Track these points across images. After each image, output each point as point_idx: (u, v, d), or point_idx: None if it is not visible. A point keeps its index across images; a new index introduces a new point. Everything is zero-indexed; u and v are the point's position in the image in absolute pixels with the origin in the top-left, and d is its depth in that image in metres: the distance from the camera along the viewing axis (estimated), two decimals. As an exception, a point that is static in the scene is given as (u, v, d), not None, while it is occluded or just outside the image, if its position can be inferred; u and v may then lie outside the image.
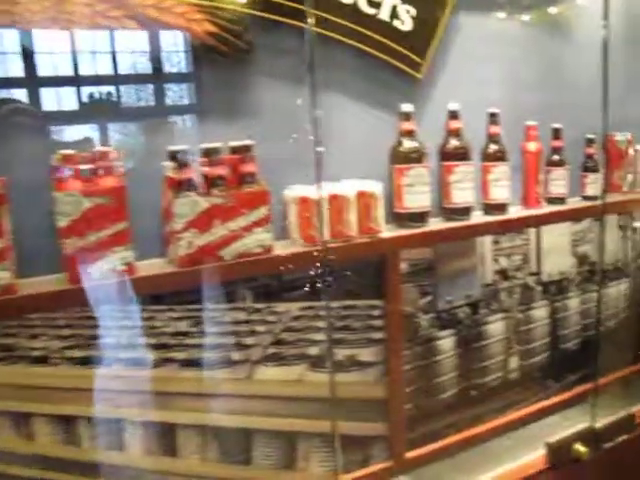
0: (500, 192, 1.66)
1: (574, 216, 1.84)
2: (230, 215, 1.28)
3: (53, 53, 1.32)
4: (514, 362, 1.80)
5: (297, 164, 1.49)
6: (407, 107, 1.52)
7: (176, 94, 1.46)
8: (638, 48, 2.09)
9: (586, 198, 1.90)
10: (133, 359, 1.29)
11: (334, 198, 1.39)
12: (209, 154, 1.30)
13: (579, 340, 1.94)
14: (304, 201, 1.38)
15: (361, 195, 1.42)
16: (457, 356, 1.68)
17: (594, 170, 1.89)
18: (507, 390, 1.80)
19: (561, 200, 1.83)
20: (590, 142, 1.89)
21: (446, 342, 1.65)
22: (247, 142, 1.33)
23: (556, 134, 1.82)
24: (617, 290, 2.02)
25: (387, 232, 1.50)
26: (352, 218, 1.41)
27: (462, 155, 1.59)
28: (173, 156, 1.29)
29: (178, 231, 1.25)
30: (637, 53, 2.08)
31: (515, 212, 1.73)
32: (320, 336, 1.46)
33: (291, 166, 1.46)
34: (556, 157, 1.82)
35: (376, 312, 1.51)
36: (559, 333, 1.89)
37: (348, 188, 1.41)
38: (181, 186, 1.26)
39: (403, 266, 1.53)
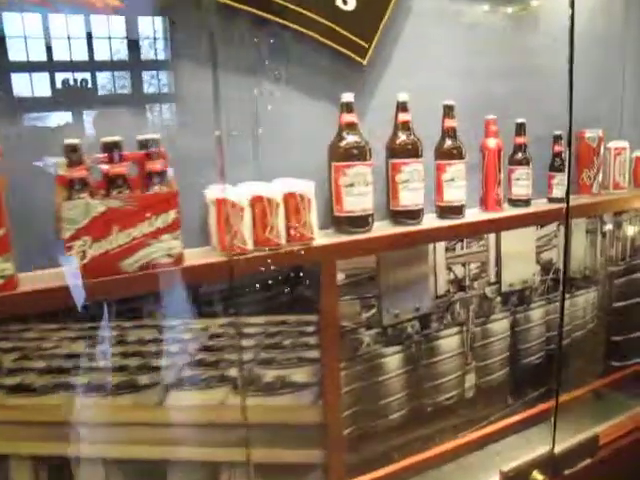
0: (455, 193, 1.50)
1: (538, 220, 1.68)
2: (132, 220, 1.10)
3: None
4: (470, 379, 1.65)
5: (231, 161, 1.33)
6: (347, 97, 1.35)
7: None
8: (612, 41, 1.93)
9: (552, 200, 1.74)
10: (17, 385, 1.11)
11: (257, 200, 1.22)
12: (108, 149, 1.12)
13: (543, 354, 1.79)
14: (221, 203, 1.20)
15: (289, 197, 1.25)
16: (406, 374, 1.52)
17: (562, 170, 1.73)
18: (463, 410, 1.65)
19: (525, 202, 1.67)
20: (557, 139, 1.73)
21: (393, 360, 1.49)
22: (153, 136, 1.15)
23: (520, 130, 1.65)
24: (585, 299, 1.88)
25: (324, 238, 1.33)
26: (279, 223, 1.23)
27: (412, 152, 1.42)
28: (68, 151, 1.11)
29: (68, 239, 1.07)
30: (610, 47, 1.92)
31: (473, 215, 1.57)
32: (245, 355, 1.30)
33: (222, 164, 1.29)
34: (519, 155, 1.66)
35: (310, 328, 1.35)
36: (520, 347, 1.74)
37: (274, 189, 1.24)
38: (72, 186, 1.08)
39: (341, 277, 1.36)
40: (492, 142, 1.57)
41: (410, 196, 1.42)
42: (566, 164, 1.60)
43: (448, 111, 1.49)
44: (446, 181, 1.49)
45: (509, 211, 1.63)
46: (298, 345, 1.35)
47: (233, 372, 1.29)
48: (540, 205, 1.72)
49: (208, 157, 1.28)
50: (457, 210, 1.51)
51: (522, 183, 1.66)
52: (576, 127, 1.80)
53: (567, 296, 1.82)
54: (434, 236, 1.48)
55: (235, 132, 1.30)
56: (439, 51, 1.54)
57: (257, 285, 1.29)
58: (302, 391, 1.36)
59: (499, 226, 1.59)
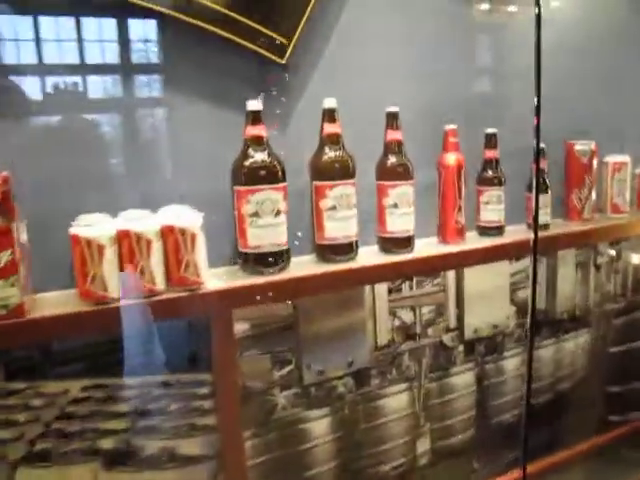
0: (400, 222, 1.22)
1: (512, 252, 1.38)
2: (-53, 264, 0.87)
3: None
4: (424, 443, 1.37)
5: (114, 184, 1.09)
6: (254, 105, 1.08)
7: None
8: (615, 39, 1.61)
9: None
10: None
11: (124, 236, 0.97)
12: None
13: (519, 411, 1.49)
14: (78, 241, 0.95)
15: (167, 232, 0.99)
16: (337, 441, 1.25)
17: (545, 190, 1.43)
18: (415, 479, 1.37)
19: (497, 230, 1.38)
20: (540, 153, 1.43)
21: (319, 424, 1.22)
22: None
23: (490, 142, 1.36)
24: (575, 344, 1.57)
25: (221, 281, 1.08)
26: (152, 265, 0.98)
27: (340, 171, 1.15)
28: None
29: None
30: (612, 45, 1.60)
31: (426, 248, 1.28)
32: (117, 423, 1.05)
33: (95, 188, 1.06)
34: (489, 173, 1.36)
35: (204, 390, 1.09)
36: (490, 403, 1.45)
37: (147, 222, 0.98)
38: None
39: (244, 327, 1.11)
40: (451, 158, 1.28)
41: (338, 226, 1.15)
42: (534, 184, 1.30)
43: (392, 120, 1.21)
44: (388, 207, 1.21)
45: (474, 242, 1.34)
46: (188, 410, 1.09)
47: (105, 444, 1.05)
48: (518, 233, 1.42)
49: (87, 179, 1.05)
50: (403, 243, 1.23)
51: (493, 207, 1.37)
52: (565, 138, 1.51)
53: (551, 341, 1.52)
54: (372, 275, 1.20)
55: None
56: (384, 47, 1.26)
57: (134, 337, 1.04)
58: (195, 466, 1.11)
59: (460, 261, 1.30)
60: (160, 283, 1.00)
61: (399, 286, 1.26)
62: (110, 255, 0.96)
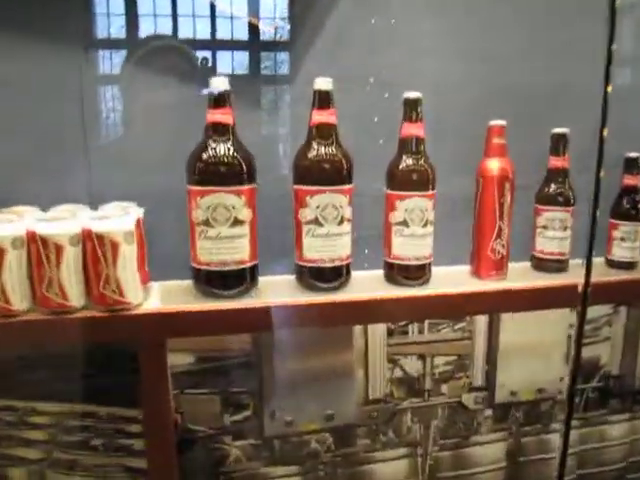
0: (412, 244, 0.92)
1: (575, 296, 1.02)
2: None
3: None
4: (427, 524, 1.08)
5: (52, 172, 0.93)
6: (219, 82, 0.84)
7: None
8: None
9: (613, 264, 1.07)
10: None
11: (31, 241, 0.79)
12: None
13: (566, 501, 1.14)
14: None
15: (86, 237, 0.80)
16: (306, 507, 1.01)
17: (634, 217, 1.05)
18: None
19: (557, 264, 1.03)
20: (631, 166, 1.04)
21: (283, 485, 0.99)
22: None
23: (558, 146, 1.01)
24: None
25: (158, 302, 0.87)
26: (65, 276, 0.79)
27: (330, 174, 0.88)
28: None
29: None
30: None
31: (450, 280, 0.98)
32: (30, 452, 0.90)
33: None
34: (553, 187, 1.01)
35: (134, 427, 0.90)
36: (525, 486, 1.12)
37: (61, 224, 0.79)
38: None
39: (189, 360, 0.89)
40: (492, 165, 0.95)
41: (319, 245, 0.89)
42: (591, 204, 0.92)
43: (410, 110, 0.91)
44: (396, 224, 0.92)
45: (522, 278, 1.01)
46: (115, 448, 0.91)
47: (16, 473, 0.90)
48: (595, 270, 1.05)
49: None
50: (413, 272, 0.94)
51: (554, 234, 1.02)
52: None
53: (625, 417, 1.14)
54: (362, 313, 0.92)
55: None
56: (410, 15, 0.96)
57: (53, 360, 0.87)
58: (123, 515, 0.93)
59: (494, 304, 0.98)
60: (74, 299, 0.81)
61: (404, 327, 0.97)
62: (13, 261, 0.78)
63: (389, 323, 0.95)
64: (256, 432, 0.95)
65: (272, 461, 0.97)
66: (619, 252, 1.05)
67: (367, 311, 0.92)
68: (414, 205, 0.91)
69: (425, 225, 0.92)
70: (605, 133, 0.83)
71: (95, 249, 0.79)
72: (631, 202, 1.04)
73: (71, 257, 0.80)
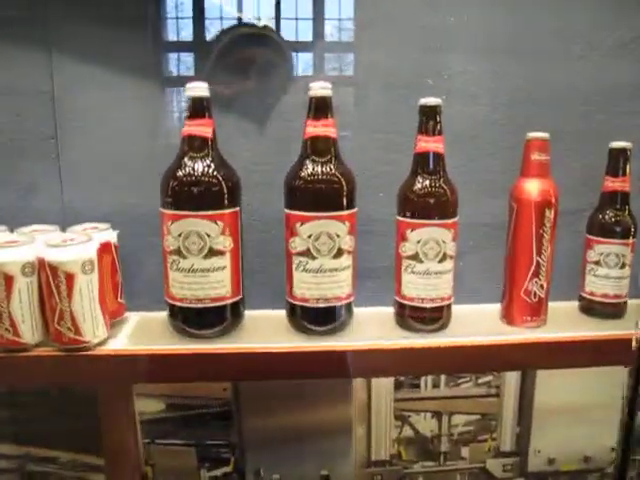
0: (426, 287, 0.77)
1: (625, 353, 0.82)
2: None
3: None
4: None
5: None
6: (196, 90, 0.72)
7: None
8: None
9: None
10: None
11: (-25, 268, 0.69)
12: None
13: None
14: None
15: (41, 267, 0.70)
16: None
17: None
18: None
19: (613, 308, 0.84)
20: None
21: None
22: None
23: (617, 163, 0.82)
24: None
25: (126, 340, 0.76)
26: (15, 309, 0.70)
27: (325, 198, 0.74)
28: None
29: None
30: None
31: (475, 325, 0.81)
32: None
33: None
34: (611, 215, 0.82)
35: (99, 476, 0.80)
36: None
37: (12, 251, 0.69)
38: None
39: (159, 407, 0.77)
40: (532, 187, 0.77)
41: (311, 282, 0.75)
42: None
43: (427, 120, 0.75)
44: (406, 258, 0.76)
45: (561, 326, 0.82)
46: (79, 501, 0.81)
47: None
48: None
49: None
50: (428, 315, 0.78)
51: (607, 272, 0.83)
52: None
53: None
54: (363, 365, 0.77)
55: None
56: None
57: (10, 399, 0.78)
58: None
59: (527, 358, 0.80)
60: (27, 335, 0.71)
61: (415, 380, 0.81)
62: (-43, 291, 0.70)
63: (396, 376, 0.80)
64: (237, 491, 0.82)
65: (257, 525, 0.84)
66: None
67: (369, 362, 0.77)
68: (429, 236, 0.75)
69: (442, 260, 0.76)
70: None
71: (49, 281, 0.69)
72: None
73: (23, 288, 0.70)
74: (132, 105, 0.81)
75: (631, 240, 0.82)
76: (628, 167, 0.81)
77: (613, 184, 0.82)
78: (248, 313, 0.81)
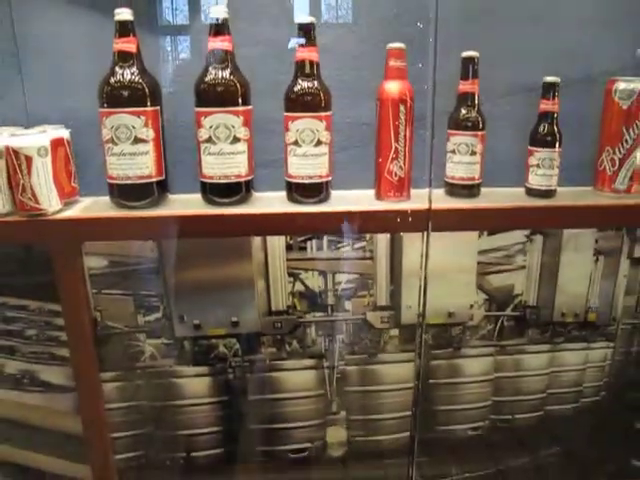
0: (304, 164, 0.98)
1: (488, 221, 1.03)
2: None
3: None
4: (337, 434, 1.15)
5: None
6: (122, 15, 0.92)
7: None
8: None
9: (531, 192, 1.06)
10: None
11: (-41, 150, 0.92)
12: None
13: (484, 423, 1.17)
14: None
15: (7, 153, 0.92)
16: (218, 406, 1.11)
17: (550, 143, 1.03)
18: (325, 466, 1.18)
19: (466, 189, 1.04)
20: (549, 90, 1.02)
21: (196, 383, 1.09)
22: None
23: (467, 70, 1.01)
24: (584, 358, 1.16)
25: (78, 212, 0.99)
26: (-5, 183, 0.93)
27: (222, 97, 0.95)
28: None
29: None
30: None
31: (351, 201, 1.02)
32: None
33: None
34: (463, 112, 1.02)
35: (59, 320, 1.04)
36: (433, 408, 1.16)
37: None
38: None
39: (102, 263, 1.01)
40: (392, 87, 0.97)
41: (213, 162, 0.96)
42: (429, 142, 0.92)
43: (303, 34, 0.95)
44: (290, 144, 0.97)
45: (420, 200, 1.02)
46: (45, 339, 1.06)
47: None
48: (499, 196, 1.05)
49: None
50: (308, 190, 0.99)
51: (460, 158, 1.03)
52: (603, 72, 1.06)
53: (545, 347, 1.14)
54: (259, 226, 0.99)
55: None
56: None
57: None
58: (57, 394, 1.08)
59: (386, 223, 1.01)
60: (5, 206, 0.95)
61: (303, 243, 1.03)
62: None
63: (287, 237, 1.02)
64: (168, 333, 1.06)
65: (184, 360, 1.08)
66: (536, 180, 1.04)
67: (264, 224, 0.98)
68: (305, 126, 0.96)
69: (318, 145, 0.96)
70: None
71: (13, 162, 0.92)
72: (546, 128, 1.02)
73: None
74: (82, 28, 1.02)
75: (480, 132, 1.02)
76: (477, 72, 1.00)
77: (464, 86, 1.01)
78: (174, 197, 1.02)
